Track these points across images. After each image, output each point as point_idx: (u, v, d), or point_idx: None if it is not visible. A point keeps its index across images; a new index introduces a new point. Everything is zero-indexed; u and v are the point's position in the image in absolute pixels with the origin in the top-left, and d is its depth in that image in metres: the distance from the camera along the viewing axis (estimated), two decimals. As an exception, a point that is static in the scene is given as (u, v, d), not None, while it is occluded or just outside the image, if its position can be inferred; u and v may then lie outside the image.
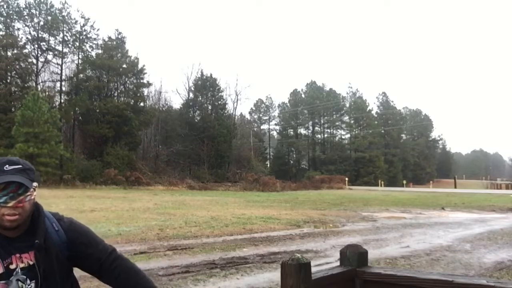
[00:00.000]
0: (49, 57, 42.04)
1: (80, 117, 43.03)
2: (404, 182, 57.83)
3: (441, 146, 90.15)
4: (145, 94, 47.86)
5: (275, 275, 6.05)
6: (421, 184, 63.44)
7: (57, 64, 42.27)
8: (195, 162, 47.90)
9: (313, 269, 1.50)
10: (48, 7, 41.36)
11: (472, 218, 14.87)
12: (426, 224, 12.93)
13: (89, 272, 1.62)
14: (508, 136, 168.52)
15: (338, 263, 1.78)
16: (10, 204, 1.43)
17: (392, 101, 75.53)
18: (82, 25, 42.88)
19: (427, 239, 9.96)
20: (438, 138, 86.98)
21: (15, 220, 1.44)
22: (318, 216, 14.82)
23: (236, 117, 60.04)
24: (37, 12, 41.00)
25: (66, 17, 42.12)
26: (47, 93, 39.99)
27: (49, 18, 40.88)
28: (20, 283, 1.47)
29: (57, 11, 41.62)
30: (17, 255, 1.48)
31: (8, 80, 38.35)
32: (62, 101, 42.58)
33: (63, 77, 42.89)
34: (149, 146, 49.47)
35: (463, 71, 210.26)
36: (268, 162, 68.07)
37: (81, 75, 43.28)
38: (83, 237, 1.59)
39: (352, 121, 69.23)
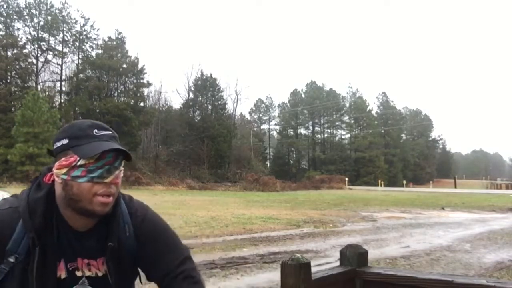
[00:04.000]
0: (49, 57, 42.15)
1: (80, 117, 42.93)
2: (404, 182, 57.82)
3: (441, 146, 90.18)
4: (145, 94, 47.91)
5: (275, 275, 6.05)
6: (421, 184, 63.43)
7: (57, 64, 42.37)
8: (195, 162, 47.89)
9: (313, 269, 1.50)
10: (48, 7, 41.39)
11: (472, 218, 14.86)
12: (426, 224, 12.92)
13: (152, 279, 1.21)
14: (508, 136, 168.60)
15: (338, 263, 1.78)
16: (108, 180, 1.05)
17: (392, 101, 75.63)
18: (82, 25, 42.98)
19: (427, 239, 9.95)
20: (438, 138, 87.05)
21: (109, 203, 1.07)
22: (318, 216, 14.82)
23: (236, 117, 60.10)
24: (37, 12, 41.04)
25: (66, 17, 42.18)
26: (47, 93, 40.02)
27: (49, 18, 40.90)
28: None
29: (57, 11, 41.67)
30: (85, 260, 1.11)
31: (8, 80, 38.36)
32: (62, 101, 42.63)
33: (63, 77, 42.99)
34: (149, 146, 49.46)
35: (463, 71, 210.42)
36: (268, 162, 68.06)
37: (81, 75, 43.32)
38: (157, 243, 1.19)
39: (352, 121, 69.24)
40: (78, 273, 1.10)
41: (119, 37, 45.02)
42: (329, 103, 67.64)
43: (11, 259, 1.02)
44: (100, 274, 1.11)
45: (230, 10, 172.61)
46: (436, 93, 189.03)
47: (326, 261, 7.09)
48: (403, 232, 11.07)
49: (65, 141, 1.07)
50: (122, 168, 1.10)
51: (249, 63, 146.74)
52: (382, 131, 68.99)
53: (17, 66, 38.54)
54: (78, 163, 1.04)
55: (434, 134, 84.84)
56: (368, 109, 69.51)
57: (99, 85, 42.58)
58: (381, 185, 49.60)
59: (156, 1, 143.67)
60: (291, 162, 70.83)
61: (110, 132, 1.11)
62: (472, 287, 1.39)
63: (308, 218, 13.90)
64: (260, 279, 6.02)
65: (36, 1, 40.84)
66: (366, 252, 1.74)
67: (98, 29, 47.38)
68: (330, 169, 58.12)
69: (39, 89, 39.08)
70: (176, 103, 67.05)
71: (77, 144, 1.06)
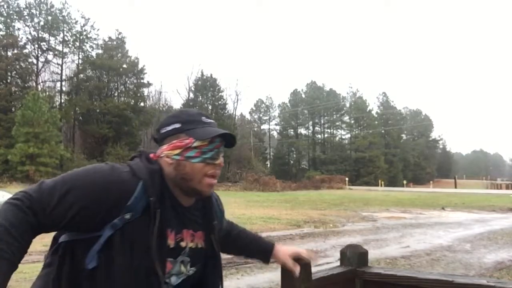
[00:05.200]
0: (49, 57, 42.18)
1: (80, 117, 43.05)
2: (404, 182, 57.77)
3: (441, 146, 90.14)
4: (145, 94, 47.99)
5: (275, 275, 6.04)
6: (421, 184, 63.39)
7: (57, 64, 42.39)
8: (195, 162, 47.88)
9: (313, 269, 1.50)
10: (48, 7, 41.40)
11: (472, 218, 14.86)
12: (426, 224, 12.92)
13: None
14: (509, 136, 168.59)
15: (338, 263, 1.78)
16: (218, 161, 1.15)
17: (392, 101, 75.51)
18: (82, 25, 43.00)
19: (427, 239, 9.95)
20: (438, 138, 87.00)
21: (214, 184, 1.17)
22: (318, 216, 14.82)
23: (236, 117, 60.12)
24: (37, 12, 41.04)
25: (66, 17, 42.20)
26: (47, 93, 40.03)
27: (49, 18, 40.92)
28: (182, 266, 1.16)
29: (57, 11, 41.68)
30: (190, 231, 1.17)
31: (8, 80, 38.39)
32: (62, 101, 42.64)
33: (63, 77, 42.99)
34: (149, 146, 49.46)
35: (463, 71, 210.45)
36: (268, 162, 68.04)
37: (81, 75, 43.34)
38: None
39: (352, 121, 69.20)
40: (183, 244, 1.15)
41: (119, 37, 45.08)
42: (329, 103, 67.61)
43: (127, 216, 1.03)
44: (199, 245, 1.20)
45: (230, 10, 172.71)
46: (436, 94, 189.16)
47: (326, 261, 7.09)
48: (403, 232, 11.06)
49: (177, 125, 1.15)
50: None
51: (249, 63, 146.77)
52: (382, 131, 68.95)
53: (17, 66, 38.56)
54: (193, 145, 1.11)
55: (434, 134, 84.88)
56: (368, 109, 69.47)
57: (99, 85, 42.59)
58: (381, 185, 49.57)
59: (156, 1, 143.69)
60: (291, 162, 70.80)
61: (214, 121, 1.21)
62: (472, 287, 1.39)
63: (308, 218, 13.90)
64: (260, 279, 6.03)
65: (36, 1, 40.85)
66: (366, 252, 1.74)
67: (98, 29, 47.47)
68: (330, 169, 58.08)
69: (39, 89, 39.10)
70: (176, 103, 66.93)
71: (190, 128, 1.14)
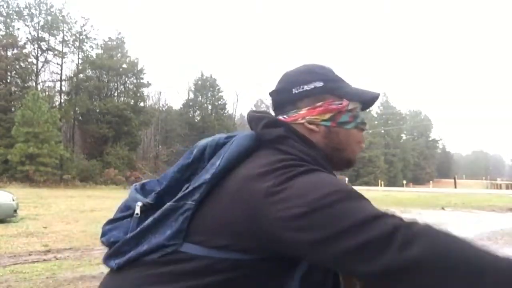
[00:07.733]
0: (49, 57, 42.09)
1: (80, 117, 43.02)
2: (404, 182, 57.83)
3: (441, 147, 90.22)
4: (145, 94, 47.94)
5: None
6: (421, 184, 63.47)
7: (57, 64, 42.31)
8: (195, 162, 47.87)
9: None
10: (48, 7, 41.33)
11: (472, 218, 14.85)
12: (426, 224, 12.89)
13: None
14: (509, 137, 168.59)
15: (338, 263, 1.77)
16: (366, 126, 0.98)
17: (392, 101, 75.64)
18: (82, 25, 42.90)
19: (427, 239, 9.93)
20: (438, 138, 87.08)
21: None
22: (318, 216, 14.78)
23: (236, 117, 60.12)
24: (37, 12, 41.00)
25: (66, 17, 42.11)
26: (47, 93, 40.02)
27: (49, 18, 40.86)
28: None
29: (57, 11, 41.61)
30: None
31: (8, 80, 38.35)
32: (62, 101, 42.61)
33: (63, 77, 42.92)
34: (149, 146, 49.47)
35: (463, 71, 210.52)
36: (268, 162, 68.05)
37: (81, 75, 43.29)
38: None
39: (352, 121, 69.26)
40: None
41: (119, 37, 45.03)
42: (329, 103, 67.64)
43: None
44: None
45: (230, 10, 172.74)
46: (436, 94, 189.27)
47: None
48: (403, 232, 11.04)
49: (319, 84, 0.91)
50: None
51: (249, 63, 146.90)
52: (382, 131, 69.02)
53: (17, 66, 38.53)
54: (348, 108, 0.91)
55: (434, 135, 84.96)
56: (368, 109, 69.53)
57: (99, 85, 42.58)
58: (381, 185, 49.61)
59: (156, 1, 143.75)
60: (291, 162, 70.85)
61: None
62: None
63: (308, 218, 13.86)
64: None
65: (36, 1, 40.80)
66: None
67: (98, 29, 47.42)
68: (330, 169, 58.13)
69: (39, 89, 39.07)
70: (176, 103, 67.15)
71: (337, 86, 0.92)
